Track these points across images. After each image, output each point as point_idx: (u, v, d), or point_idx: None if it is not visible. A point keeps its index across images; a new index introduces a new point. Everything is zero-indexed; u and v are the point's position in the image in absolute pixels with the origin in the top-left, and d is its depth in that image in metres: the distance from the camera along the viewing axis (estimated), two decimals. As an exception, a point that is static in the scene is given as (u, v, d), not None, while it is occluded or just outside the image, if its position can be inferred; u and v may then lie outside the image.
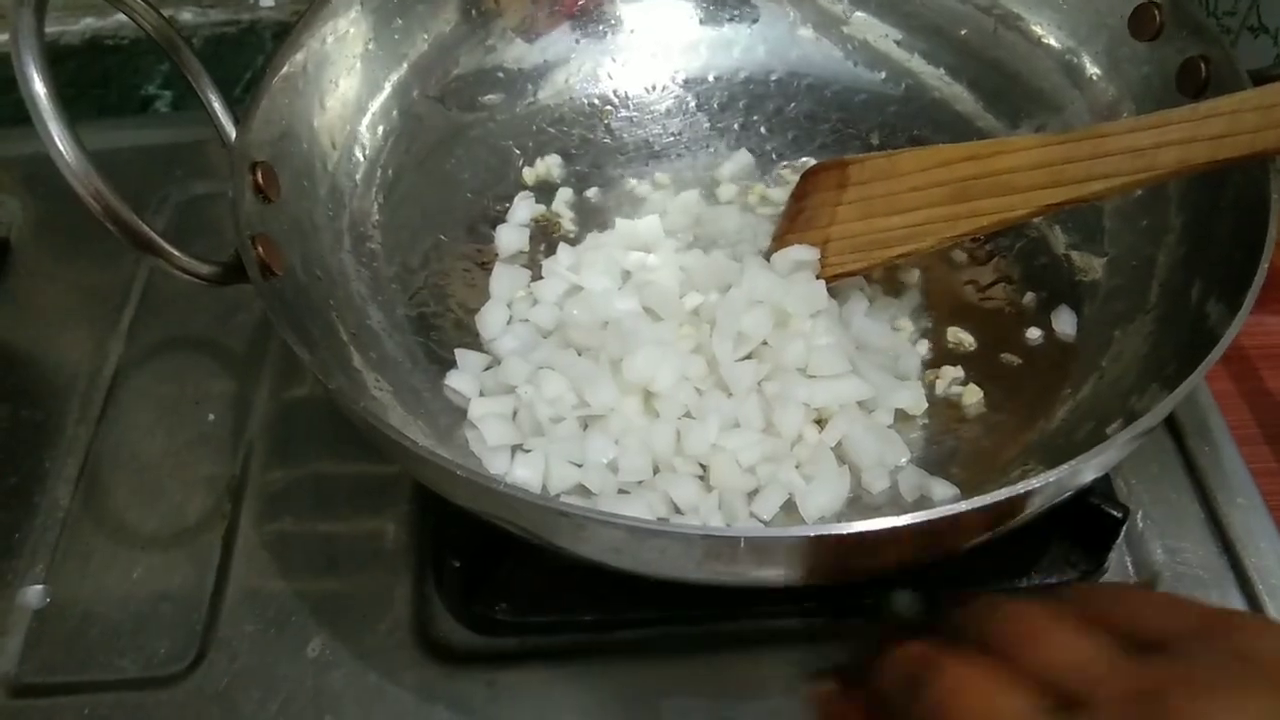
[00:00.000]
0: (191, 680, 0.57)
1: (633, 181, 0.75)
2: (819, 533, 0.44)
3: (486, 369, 0.63)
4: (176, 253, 0.50)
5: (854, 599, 0.57)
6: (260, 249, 0.54)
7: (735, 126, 0.77)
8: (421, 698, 0.55)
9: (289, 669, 0.57)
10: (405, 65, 0.71)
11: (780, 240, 0.68)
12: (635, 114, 0.78)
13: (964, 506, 0.43)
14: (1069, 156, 0.57)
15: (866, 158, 0.65)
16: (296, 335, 0.51)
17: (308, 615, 0.59)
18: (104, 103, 0.94)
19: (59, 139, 0.45)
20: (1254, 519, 0.61)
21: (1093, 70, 0.69)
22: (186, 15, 0.99)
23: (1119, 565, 0.59)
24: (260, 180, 0.57)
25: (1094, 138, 0.56)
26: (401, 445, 0.46)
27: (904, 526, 0.42)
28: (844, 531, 0.43)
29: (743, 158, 0.75)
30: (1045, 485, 0.44)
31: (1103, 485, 0.60)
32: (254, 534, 0.62)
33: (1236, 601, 0.57)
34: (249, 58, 0.96)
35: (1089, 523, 0.57)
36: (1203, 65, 0.61)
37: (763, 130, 0.77)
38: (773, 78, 0.79)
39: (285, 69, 0.61)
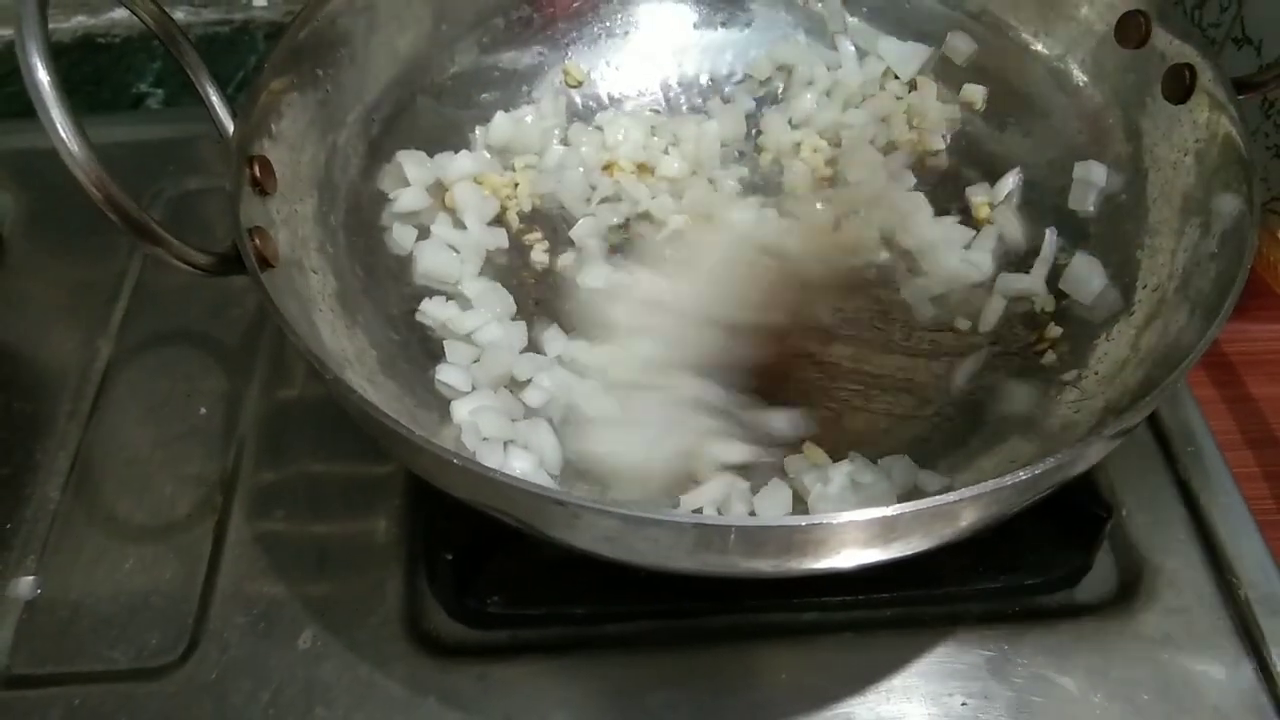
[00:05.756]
0: (182, 672, 0.57)
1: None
2: (809, 523, 0.45)
3: (475, 361, 0.64)
4: (175, 241, 0.50)
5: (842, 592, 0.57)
6: (257, 241, 0.54)
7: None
8: (413, 690, 0.56)
9: (280, 661, 0.57)
10: (402, 62, 0.71)
11: None
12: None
13: (953, 497, 0.43)
14: None
15: None
16: (293, 327, 0.51)
17: (299, 608, 0.59)
18: (96, 100, 0.94)
19: (62, 128, 0.45)
20: (1236, 521, 0.61)
21: (1080, 77, 0.70)
22: (179, 14, 0.99)
23: (1104, 564, 0.60)
24: (258, 173, 0.57)
25: None
26: (400, 435, 0.46)
27: (894, 517, 0.43)
28: (833, 521, 0.43)
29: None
30: (1030, 478, 0.44)
31: (1088, 486, 0.60)
32: (245, 527, 0.62)
33: (1220, 604, 0.58)
34: (241, 57, 0.96)
35: (1074, 522, 0.58)
36: (1188, 72, 0.62)
37: (754, 135, 0.78)
38: (766, 82, 0.79)
39: (284, 63, 0.62)
